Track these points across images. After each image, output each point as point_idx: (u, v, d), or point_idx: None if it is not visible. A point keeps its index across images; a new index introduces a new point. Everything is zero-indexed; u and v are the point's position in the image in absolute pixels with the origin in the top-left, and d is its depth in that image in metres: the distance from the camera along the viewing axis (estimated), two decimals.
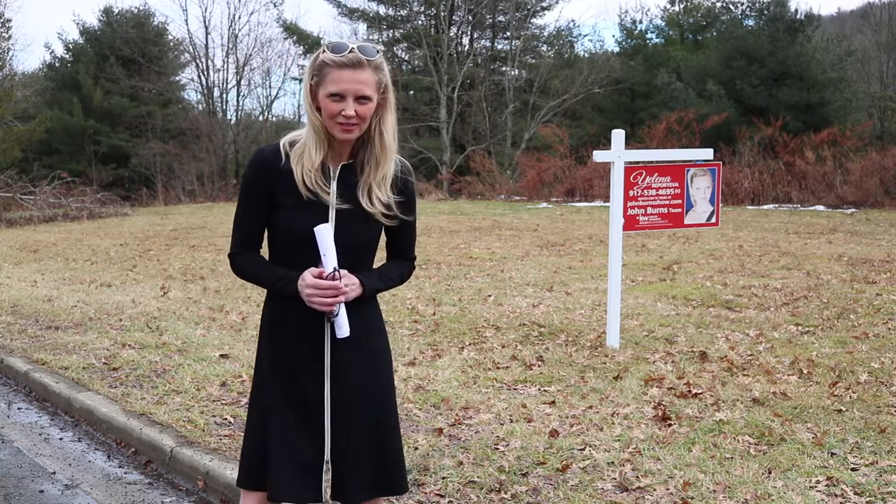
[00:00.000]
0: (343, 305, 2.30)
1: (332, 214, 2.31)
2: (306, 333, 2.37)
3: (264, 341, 2.45)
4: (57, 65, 36.69)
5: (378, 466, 2.42)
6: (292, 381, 2.38)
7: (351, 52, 2.21)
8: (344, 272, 2.28)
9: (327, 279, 2.25)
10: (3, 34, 30.45)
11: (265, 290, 2.45)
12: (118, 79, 34.24)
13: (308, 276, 2.26)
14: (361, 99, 2.22)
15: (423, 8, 35.88)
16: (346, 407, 2.38)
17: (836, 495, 3.39)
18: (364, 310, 2.40)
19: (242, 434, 4.21)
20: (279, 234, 2.36)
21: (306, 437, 2.37)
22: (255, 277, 2.39)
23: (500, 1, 35.00)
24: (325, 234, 2.25)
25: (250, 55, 37.10)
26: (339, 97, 2.21)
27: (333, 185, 2.32)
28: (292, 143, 2.33)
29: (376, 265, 2.48)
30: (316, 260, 2.28)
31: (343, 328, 2.30)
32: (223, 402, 4.84)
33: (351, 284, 2.30)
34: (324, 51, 2.24)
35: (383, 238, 2.48)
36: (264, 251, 2.45)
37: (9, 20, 30.82)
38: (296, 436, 2.37)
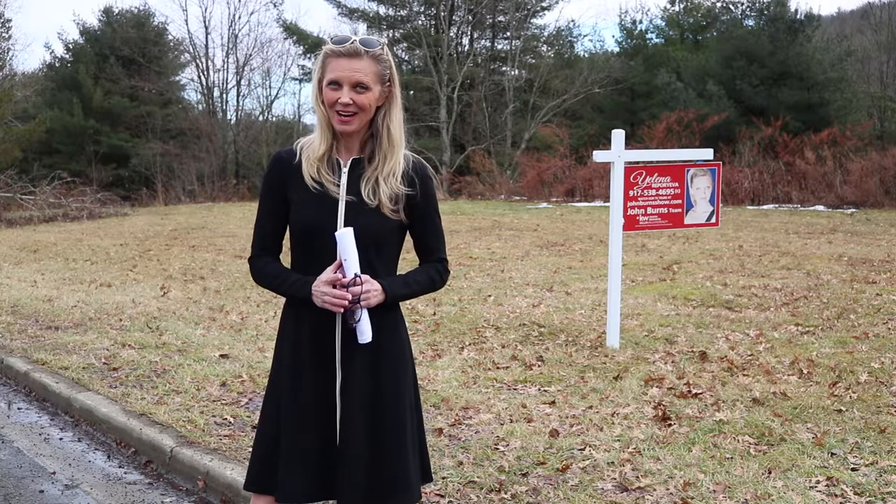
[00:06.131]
0: (365, 311, 2.26)
1: (341, 207, 2.31)
2: (319, 335, 2.35)
3: (280, 345, 2.45)
4: (57, 65, 36.64)
5: (375, 473, 2.34)
6: (304, 383, 2.36)
7: (352, 43, 2.26)
8: (366, 277, 2.25)
9: (348, 285, 2.22)
10: (3, 34, 30.47)
11: (272, 293, 2.45)
12: (118, 79, 34.21)
13: (324, 277, 2.25)
14: (358, 87, 2.25)
15: (423, 8, 35.88)
16: (351, 411, 2.35)
17: (836, 495, 3.39)
18: (382, 314, 2.34)
19: (244, 435, 4.24)
20: (294, 230, 2.38)
21: (314, 439, 2.35)
22: (271, 282, 2.39)
23: (500, 1, 34.99)
24: (345, 239, 2.22)
25: (250, 55, 37.09)
26: (337, 85, 2.26)
27: (344, 178, 2.33)
28: (305, 144, 2.40)
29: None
30: (327, 252, 2.27)
31: (365, 334, 2.27)
32: (223, 402, 4.84)
33: (373, 290, 2.26)
34: (327, 43, 2.30)
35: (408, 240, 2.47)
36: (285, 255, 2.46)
37: (9, 20, 30.85)
38: (304, 438, 2.35)
